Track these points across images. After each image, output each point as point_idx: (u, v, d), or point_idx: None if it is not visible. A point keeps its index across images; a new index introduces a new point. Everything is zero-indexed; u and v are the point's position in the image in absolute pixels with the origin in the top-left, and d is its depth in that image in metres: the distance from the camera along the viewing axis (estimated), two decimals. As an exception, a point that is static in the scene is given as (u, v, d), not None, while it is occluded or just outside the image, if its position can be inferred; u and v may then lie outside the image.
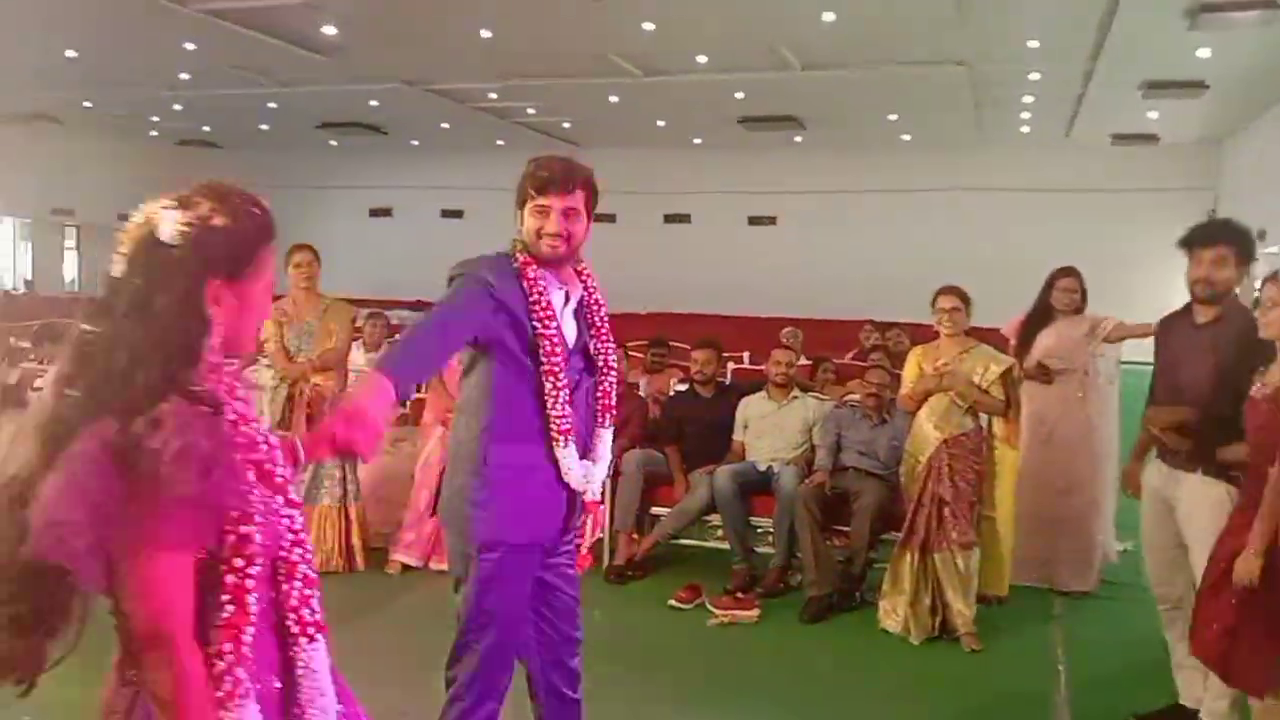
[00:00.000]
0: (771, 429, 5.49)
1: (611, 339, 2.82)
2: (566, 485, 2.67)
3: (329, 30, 14.12)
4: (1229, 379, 3.29)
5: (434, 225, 25.96)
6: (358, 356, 6.35)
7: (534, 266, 2.62)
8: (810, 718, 3.86)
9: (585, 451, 2.72)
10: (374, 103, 19.33)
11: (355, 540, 5.27)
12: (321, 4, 13.01)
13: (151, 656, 1.37)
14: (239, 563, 1.43)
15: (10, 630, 1.38)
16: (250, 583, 1.44)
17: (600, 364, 2.77)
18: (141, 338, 1.38)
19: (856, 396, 5.53)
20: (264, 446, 1.51)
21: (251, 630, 1.45)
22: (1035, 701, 4.04)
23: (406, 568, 5.34)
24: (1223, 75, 14.62)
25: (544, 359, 2.58)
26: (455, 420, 2.72)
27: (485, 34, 14.00)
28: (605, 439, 2.80)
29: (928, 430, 4.70)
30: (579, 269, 2.79)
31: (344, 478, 5.30)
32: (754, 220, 23.39)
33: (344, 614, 4.67)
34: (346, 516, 5.27)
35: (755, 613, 4.83)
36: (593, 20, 13.10)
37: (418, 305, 17.64)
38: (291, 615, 1.54)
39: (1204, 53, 13.39)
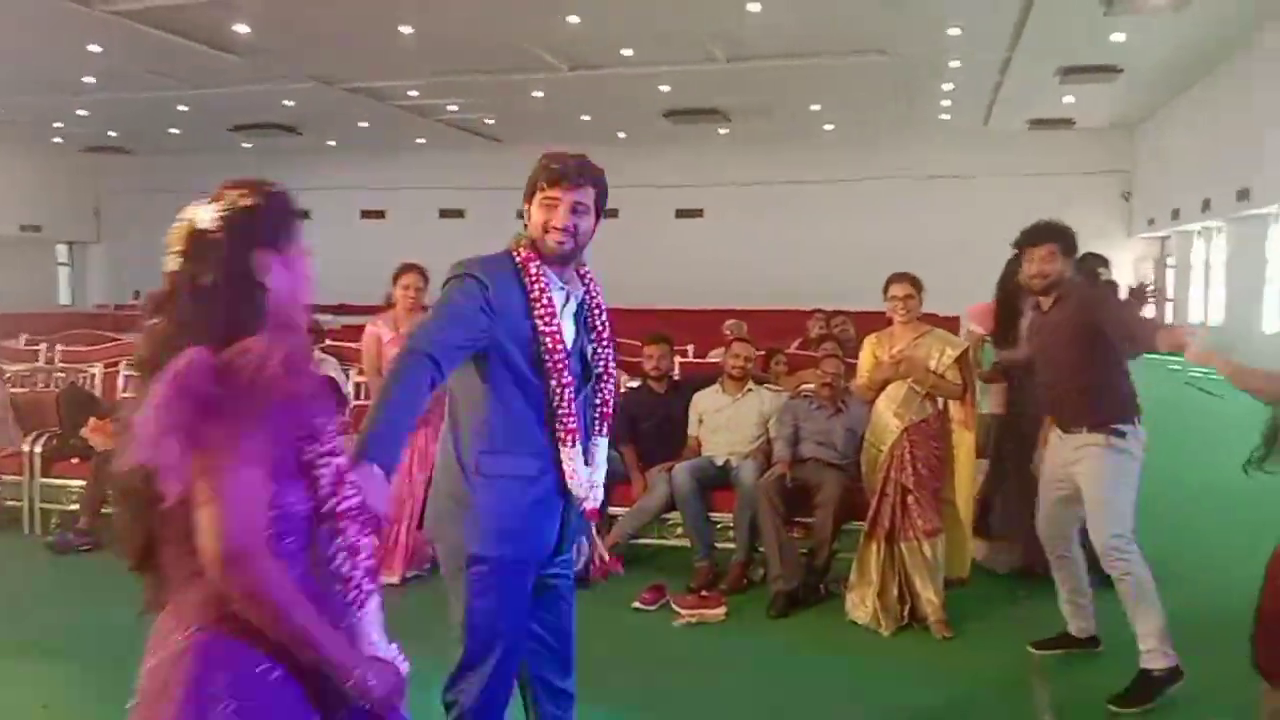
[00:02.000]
0: (727, 423, 5.41)
1: (611, 344, 2.70)
2: (564, 496, 2.53)
3: (241, 29, 13.73)
4: (1098, 338, 3.82)
5: (355, 227, 25.49)
6: None
7: (536, 263, 2.50)
8: (784, 716, 3.78)
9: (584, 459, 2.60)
10: (289, 103, 18.86)
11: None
12: (233, 3, 12.63)
13: (234, 573, 1.45)
14: (346, 490, 1.62)
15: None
16: (342, 540, 1.62)
17: (599, 370, 2.65)
18: (202, 311, 1.54)
19: (811, 386, 5.47)
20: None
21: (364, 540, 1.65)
22: (1011, 685, 4.01)
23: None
24: (1136, 60, 15.03)
25: (546, 358, 2.46)
26: (443, 428, 2.59)
27: (405, 30, 13.74)
28: (602, 447, 2.68)
29: (888, 419, 4.66)
30: (581, 270, 2.66)
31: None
32: (681, 213, 23.44)
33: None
34: None
35: (721, 610, 4.74)
36: (517, 15, 12.94)
37: (340, 309, 17.25)
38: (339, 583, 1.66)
39: (1118, 38, 13.73)
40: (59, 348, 7.29)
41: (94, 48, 14.33)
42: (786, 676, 4.15)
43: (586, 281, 2.67)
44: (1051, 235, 4.00)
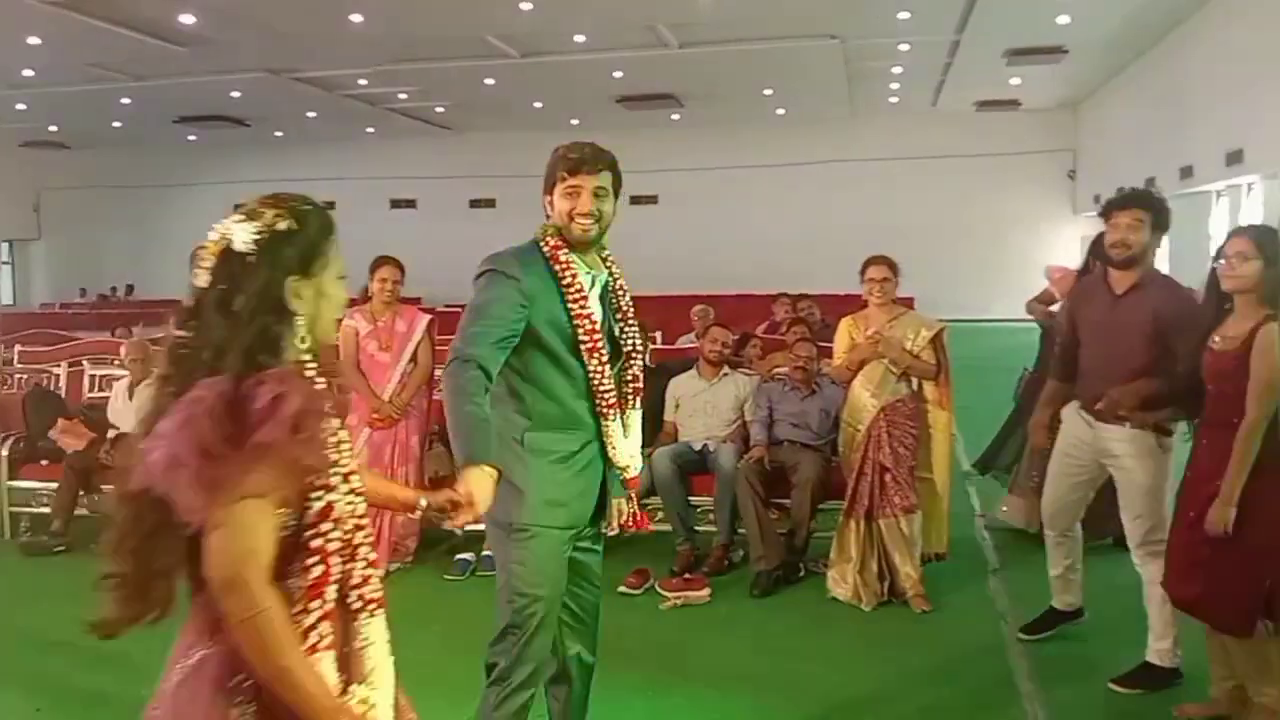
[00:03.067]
0: (704, 408, 5.48)
1: (636, 323, 2.87)
2: (604, 466, 2.73)
3: (187, 20, 13.47)
4: (1165, 349, 3.54)
5: (304, 220, 25.14)
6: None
7: (564, 250, 2.67)
8: (772, 691, 3.85)
9: None
10: (236, 94, 18.55)
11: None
12: (179, -8, 12.39)
13: (231, 597, 1.47)
14: (325, 526, 1.57)
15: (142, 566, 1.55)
16: (333, 544, 1.58)
17: (628, 349, 2.82)
18: (225, 333, 1.54)
19: (784, 369, 5.55)
20: (336, 434, 1.64)
21: (333, 590, 1.59)
22: (989, 653, 4.14)
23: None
24: (1081, 41, 15.29)
25: (584, 338, 2.63)
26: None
27: (355, 19, 13.57)
28: (635, 420, 2.85)
29: (865, 399, 4.76)
30: (603, 254, 2.82)
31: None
32: (636, 200, 23.42)
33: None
34: None
35: (706, 592, 4.81)
36: (468, 2, 12.84)
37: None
38: (355, 591, 1.65)
39: (1064, 19, 13.96)
40: (18, 348, 7.15)
41: (33, 40, 13.98)
42: (772, 654, 4.24)
43: (609, 264, 2.83)
44: (1141, 201, 3.71)
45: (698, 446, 5.36)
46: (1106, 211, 3.75)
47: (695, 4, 13.05)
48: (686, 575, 4.97)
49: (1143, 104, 17.81)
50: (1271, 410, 3.04)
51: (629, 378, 2.83)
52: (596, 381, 2.64)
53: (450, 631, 4.27)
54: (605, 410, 2.67)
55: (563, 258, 2.65)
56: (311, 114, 20.67)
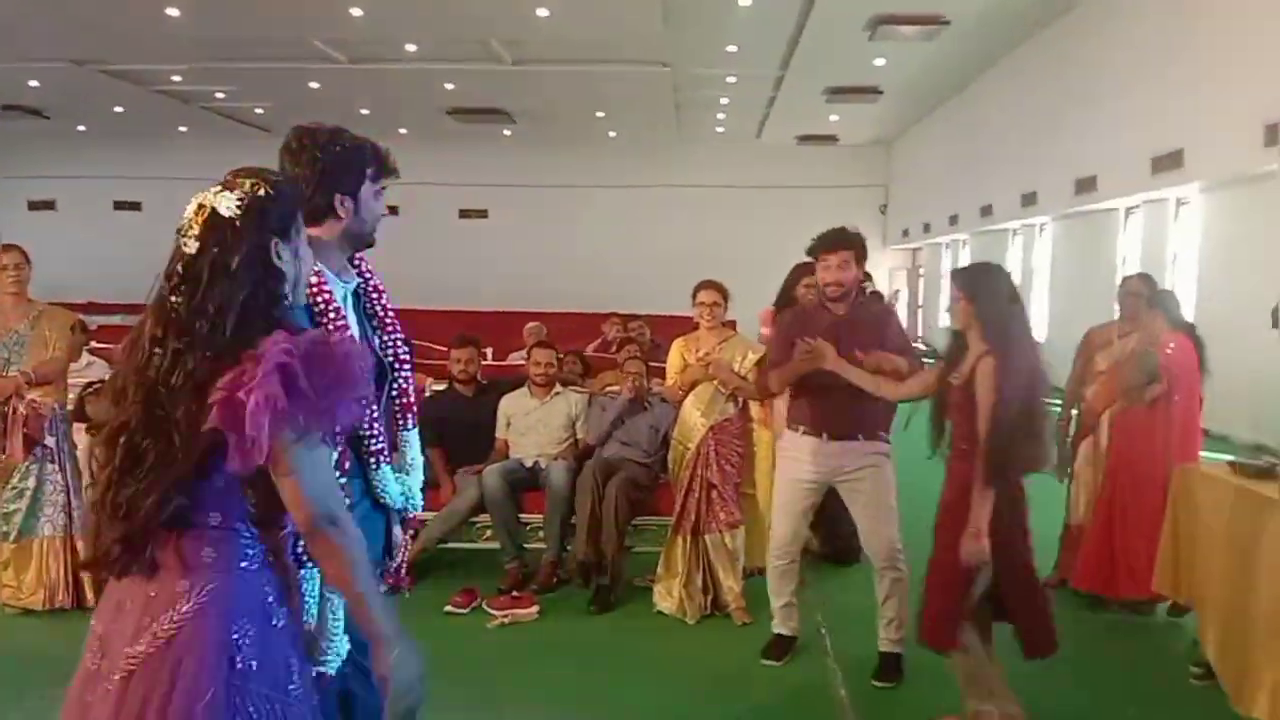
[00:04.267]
0: (536, 425, 5.49)
1: (399, 330, 2.48)
2: (383, 511, 2.38)
3: (-20, 1, 12.49)
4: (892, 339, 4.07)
5: (106, 219, 23.68)
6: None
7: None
8: (595, 704, 3.91)
9: (394, 463, 2.43)
10: (34, 83, 17.31)
11: (84, 573, 4.69)
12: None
13: (330, 530, 1.65)
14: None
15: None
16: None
17: (391, 361, 2.42)
18: (228, 292, 1.65)
19: (615, 387, 5.63)
20: None
21: None
22: (807, 662, 4.32)
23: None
24: (894, 82, 16.21)
25: None
26: None
27: (172, 12, 12.92)
28: (413, 442, 2.48)
29: (695, 418, 4.88)
30: (354, 258, 2.41)
31: (68, 504, 4.72)
32: (465, 213, 23.23)
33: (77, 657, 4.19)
34: (72, 548, 4.70)
35: (534, 610, 4.81)
36: (297, 3, 12.45)
37: (89, 308, 15.96)
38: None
39: (879, 62, 14.76)
40: None
41: None
42: (600, 666, 4.30)
43: (359, 267, 2.42)
44: (846, 243, 4.07)
45: (529, 464, 5.36)
46: (815, 252, 4.12)
47: (531, 23, 13.10)
48: (515, 593, 4.95)
49: (948, 145, 19.05)
50: (998, 437, 3.22)
51: (395, 393, 2.44)
52: (361, 426, 2.22)
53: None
54: (368, 458, 2.29)
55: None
56: (119, 108, 19.49)
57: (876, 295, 6.64)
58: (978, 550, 3.24)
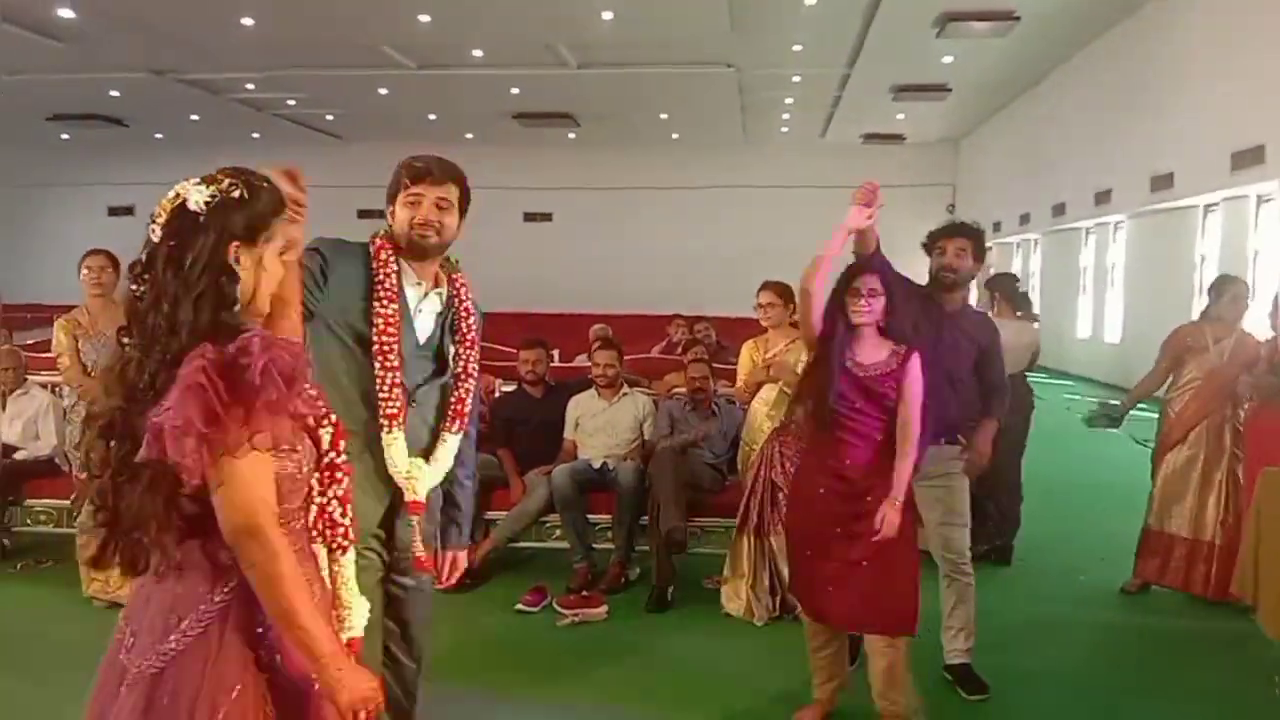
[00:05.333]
0: (604, 426, 5.51)
1: (477, 349, 2.76)
2: (389, 482, 2.58)
3: (66, 14, 12.93)
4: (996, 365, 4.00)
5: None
6: None
7: (388, 250, 2.61)
8: (671, 706, 3.91)
9: (425, 452, 2.66)
10: (115, 93, 17.85)
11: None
12: (59, -15, 11.89)
13: (249, 543, 1.59)
14: (328, 459, 1.81)
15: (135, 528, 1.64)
16: (338, 488, 1.82)
17: (458, 370, 2.71)
18: (179, 288, 1.63)
19: (681, 390, 5.63)
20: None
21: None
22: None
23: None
24: (963, 79, 15.97)
25: (375, 336, 2.51)
26: None
27: (246, 22, 13.24)
28: (450, 445, 2.71)
29: (762, 419, 4.87)
30: (452, 275, 2.74)
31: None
32: (529, 216, 23.40)
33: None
34: None
35: (603, 609, 4.84)
36: (366, 11, 12.68)
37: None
38: (329, 529, 1.84)
39: (948, 59, 14.56)
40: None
41: (-105, 27, 13.21)
42: (668, 669, 4.29)
43: (456, 287, 2.74)
44: (966, 232, 3.98)
45: (597, 464, 5.39)
46: (935, 237, 4.01)
47: (596, 26, 13.17)
48: (583, 593, 4.99)
49: (1018, 142, 18.70)
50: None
51: (453, 399, 2.72)
52: (380, 383, 2.52)
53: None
54: (384, 419, 2.54)
55: (383, 256, 2.59)
56: (195, 116, 20.04)
57: (1009, 276, 6.57)
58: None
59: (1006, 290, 6.27)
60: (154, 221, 1.68)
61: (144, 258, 1.68)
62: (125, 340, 1.68)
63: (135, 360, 1.65)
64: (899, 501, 3.24)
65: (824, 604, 3.47)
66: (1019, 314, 6.19)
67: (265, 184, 1.76)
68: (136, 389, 1.64)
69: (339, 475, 1.83)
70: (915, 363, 3.30)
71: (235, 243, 1.69)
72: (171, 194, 1.69)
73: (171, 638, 1.64)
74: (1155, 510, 5.17)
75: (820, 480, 3.35)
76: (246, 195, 1.70)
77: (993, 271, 6.90)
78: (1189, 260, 12.40)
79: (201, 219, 1.66)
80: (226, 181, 1.69)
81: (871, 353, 3.34)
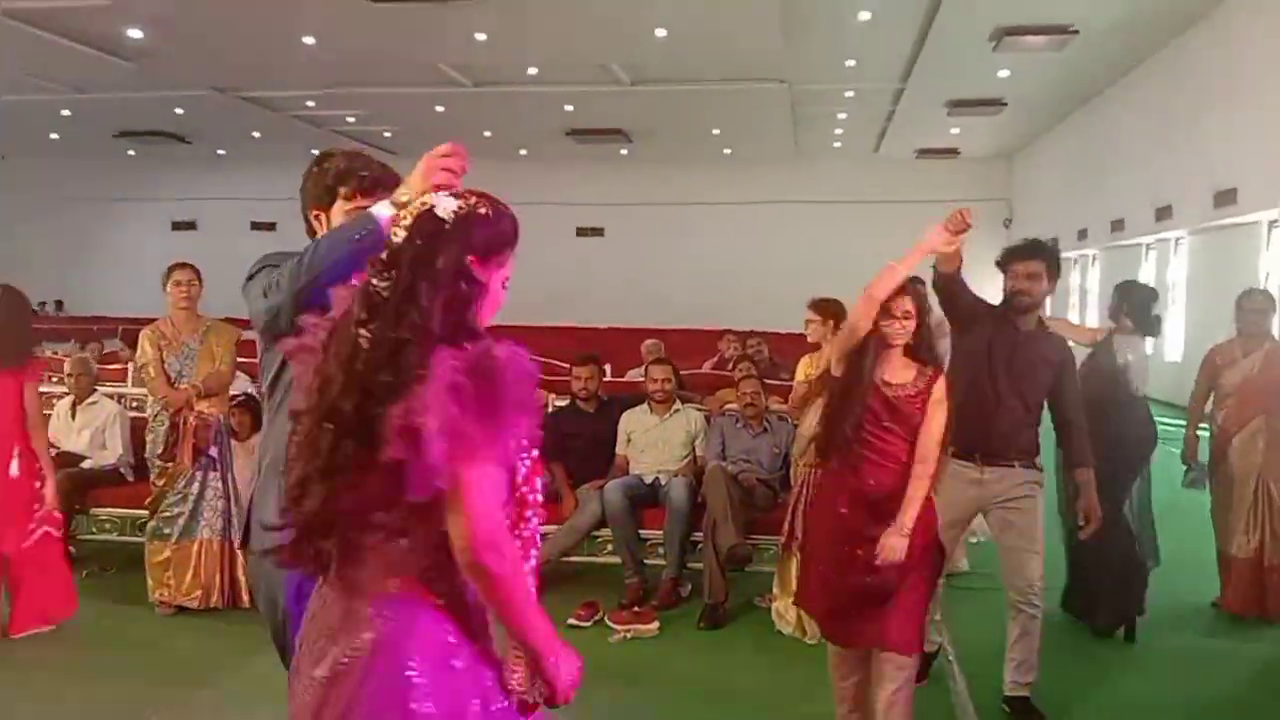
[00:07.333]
0: (656, 442, 5.54)
1: None
2: None
3: (134, 34, 13.31)
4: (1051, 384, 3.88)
5: (243, 238, 24.71)
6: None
7: None
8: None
9: None
10: (179, 110, 18.31)
11: (240, 575, 4.96)
12: (127, 6, 12.23)
13: (493, 555, 1.57)
14: (528, 487, 1.71)
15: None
16: (524, 528, 1.71)
17: None
18: (429, 288, 1.64)
19: (733, 406, 5.64)
20: None
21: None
22: (933, 684, 4.23)
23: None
24: (1019, 93, 15.80)
25: None
26: (265, 427, 2.49)
27: (308, 41, 13.52)
28: None
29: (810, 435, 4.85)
30: None
31: (226, 510, 4.99)
32: (582, 231, 23.54)
33: (230, 654, 4.44)
34: (229, 550, 4.96)
35: (655, 625, 4.86)
36: (423, 30, 12.88)
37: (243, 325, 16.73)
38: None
39: (1004, 73, 14.42)
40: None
41: (-28, 48, 13.70)
42: (719, 687, 4.30)
43: None
44: (1040, 253, 3.89)
45: (649, 480, 5.41)
46: (1008, 259, 3.96)
47: (649, 44, 13.24)
48: (636, 608, 5.00)
49: (1075, 157, 18.44)
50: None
51: None
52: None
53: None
54: None
55: None
56: (256, 133, 20.48)
57: (1148, 291, 5.45)
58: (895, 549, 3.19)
59: (1136, 305, 5.27)
60: (398, 226, 1.72)
61: (385, 256, 1.70)
62: (363, 331, 1.65)
63: (367, 355, 1.63)
64: (906, 530, 3.16)
65: (843, 625, 3.41)
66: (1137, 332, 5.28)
67: (509, 213, 1.79)
68: (375, 383, 1.61)
69: (528, 514, 1.73)
70: (941, 384, 3.27)
71: (472, 256, 1.71)
72: (419, 202, 1.75)
73: (337, 647, 1.65)
74: (1222, 530, 5.19)
75: (842, 500, 3.31)
76: (491, 215, 1.74)
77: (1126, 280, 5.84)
78: (1253, 277, 12.11)
79: (447, 226, 1.69)
80: (474, 199, 1.75)
81: (900, 372, 3.32)
